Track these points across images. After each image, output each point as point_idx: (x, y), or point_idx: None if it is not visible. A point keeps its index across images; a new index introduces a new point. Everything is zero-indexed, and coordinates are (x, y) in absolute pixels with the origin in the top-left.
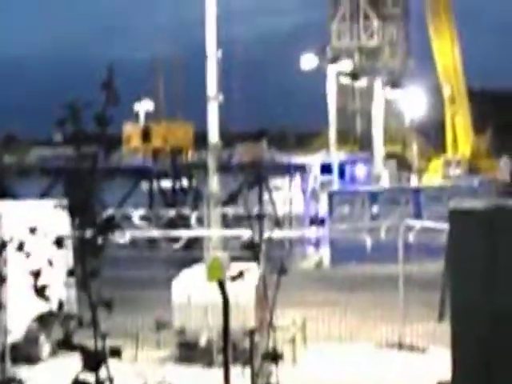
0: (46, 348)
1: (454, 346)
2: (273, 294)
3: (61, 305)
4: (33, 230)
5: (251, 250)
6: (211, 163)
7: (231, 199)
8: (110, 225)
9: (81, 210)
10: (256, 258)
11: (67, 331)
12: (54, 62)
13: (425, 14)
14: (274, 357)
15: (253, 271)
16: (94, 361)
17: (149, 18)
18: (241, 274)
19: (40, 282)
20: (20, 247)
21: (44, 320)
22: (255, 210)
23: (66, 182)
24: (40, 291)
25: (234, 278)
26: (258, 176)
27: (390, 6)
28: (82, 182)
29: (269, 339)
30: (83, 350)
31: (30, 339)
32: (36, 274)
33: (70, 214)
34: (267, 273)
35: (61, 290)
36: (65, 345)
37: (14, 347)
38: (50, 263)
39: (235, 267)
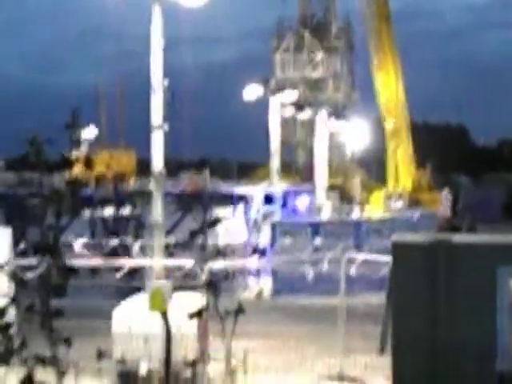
0: None
1: (394, 379)
2: (222, 326)
3: (23, 343)
4: None
5: (208, 286)
6: (155, 191)
7: (192, 236)
8: (72, 268)
9: (48, 251)
10: (198, 288)
11: (29, 370)
12: None
13: (368, 47)
14: None
15: (195, 301)
16: None
17: (92, 47)
18: (199, 313)
19: None
20: None
21: None
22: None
23: (9, 210)
24: (3, 330)
25: (192, 316)
26: (201, 205)
27: (333, 39)
28: (40, 214)
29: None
30: None
31: None
32: (0, 313)
33: (28, 247)
34: (210, 303)
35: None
36: (29, 382)
37: None
38: (15, 302)
39: (178, 297)
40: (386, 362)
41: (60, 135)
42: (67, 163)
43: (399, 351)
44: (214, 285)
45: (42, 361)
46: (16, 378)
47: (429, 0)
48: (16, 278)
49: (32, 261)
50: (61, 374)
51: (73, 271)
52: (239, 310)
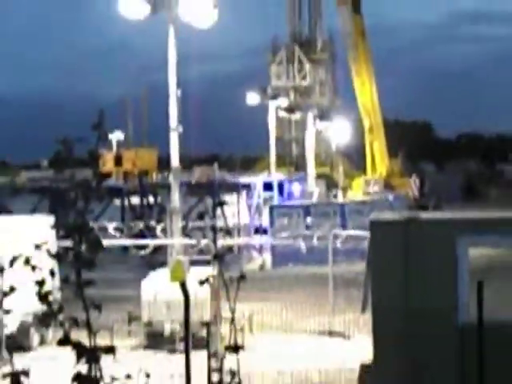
0: (35, 338)
1: (374, 334)
2: (230, 294)
3: (60, 308)
4: (38, 246)
5: (215, 258)
6: (173, 183)
7: (200, 217)
8: (99, 243)
9: (78, 230)
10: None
11: (65, 331)
12: (25, 100)
13: (348, 58)
14: (236, 347)
15: (208, 272)
16: (90, 356)
17: (117, 61)
18: (207, 280)
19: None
20: (27, 261)
21: (41, 317)
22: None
23: (52, 200)
24: (43, 297)
25: (202, 283)
26: (211, 193)
27: (319, 52)
28: (73, 202)
29: (231, 330)
30: (80, 347)
31: (23, 331)
32: (40, 283)
33: (64, 231)
34: (220, 274)
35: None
36: (65, 343)
37: (9, 338)
38: (52, 274)
39: (194, 269)
40: (367, 320)
41: (90, 136)
42: (94, 159)
43: (378, 312)
44: (220, 257)
45: (76, 323)
46: (55, 337)
47: (392, 17)
48: (58, 256)
49: (68, 242)
50: (93, 334)
51: (100, 247)
52: (241, 277)
